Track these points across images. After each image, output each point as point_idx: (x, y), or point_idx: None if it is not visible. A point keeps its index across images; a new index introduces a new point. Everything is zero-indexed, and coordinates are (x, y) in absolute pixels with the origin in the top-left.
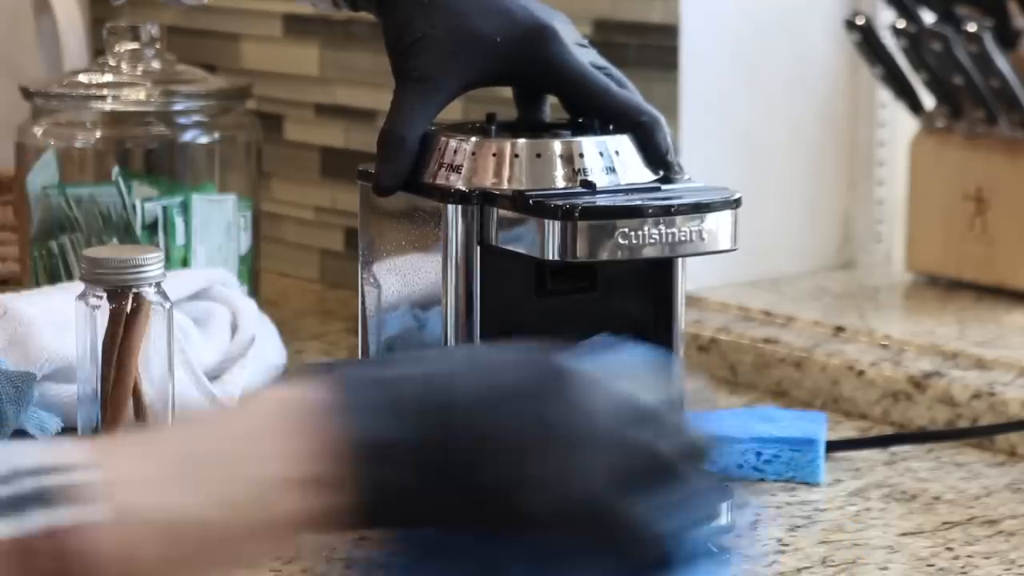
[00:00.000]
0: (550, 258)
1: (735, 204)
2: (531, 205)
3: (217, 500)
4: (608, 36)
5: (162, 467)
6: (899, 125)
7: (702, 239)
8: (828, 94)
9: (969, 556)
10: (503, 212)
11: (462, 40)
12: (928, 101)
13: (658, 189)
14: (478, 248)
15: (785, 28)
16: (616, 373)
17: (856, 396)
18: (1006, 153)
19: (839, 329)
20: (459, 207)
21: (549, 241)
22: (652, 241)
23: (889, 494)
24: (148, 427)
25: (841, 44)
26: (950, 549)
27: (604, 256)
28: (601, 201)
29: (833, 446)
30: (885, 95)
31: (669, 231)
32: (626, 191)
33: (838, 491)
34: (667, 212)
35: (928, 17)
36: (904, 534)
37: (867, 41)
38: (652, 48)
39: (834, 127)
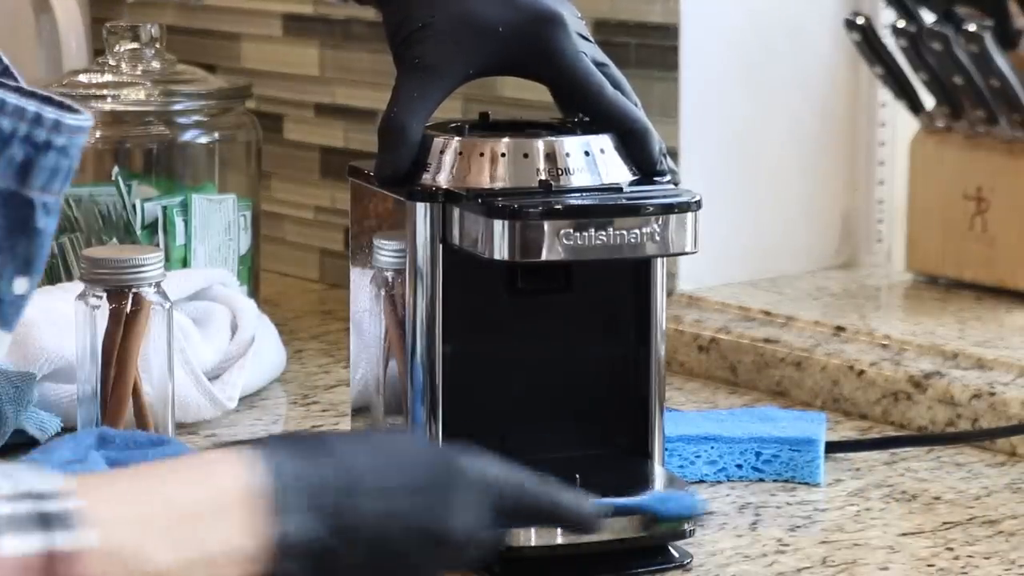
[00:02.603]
0: (496, 258)
1: (692, 207)
2: (479, 204)
3: (181, 558)
4: (608, 36)
5: (144, 513)
6: (899, 125)
7: (655, 241)
8: (828, 94)
9: (969, 556)
10: (461, 211)
11: (464, 28)
12: (928, 101)
13: (620, 190)
14: (441, 247)
15: (785, 28)
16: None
17: (856, 396)
18: (1006, 153)
19: (839, 329)
20: (427, 205)
21: (497, 241)
22: (599, 243)
23: (889, 494)
24: (129, 470)
25: (841, 44)
26: (950, 549)
27: (547, 257)
28: (555, 202)
29: (833, 447)
30: (885, 95)
31: (617, 233)
32: (583, 191)
33: (838, 491)
34: (613, 213)
35: (928, 17)
36: (904, 534)
37: (867, 41)
38: (652, 48)
39: (834, 127)
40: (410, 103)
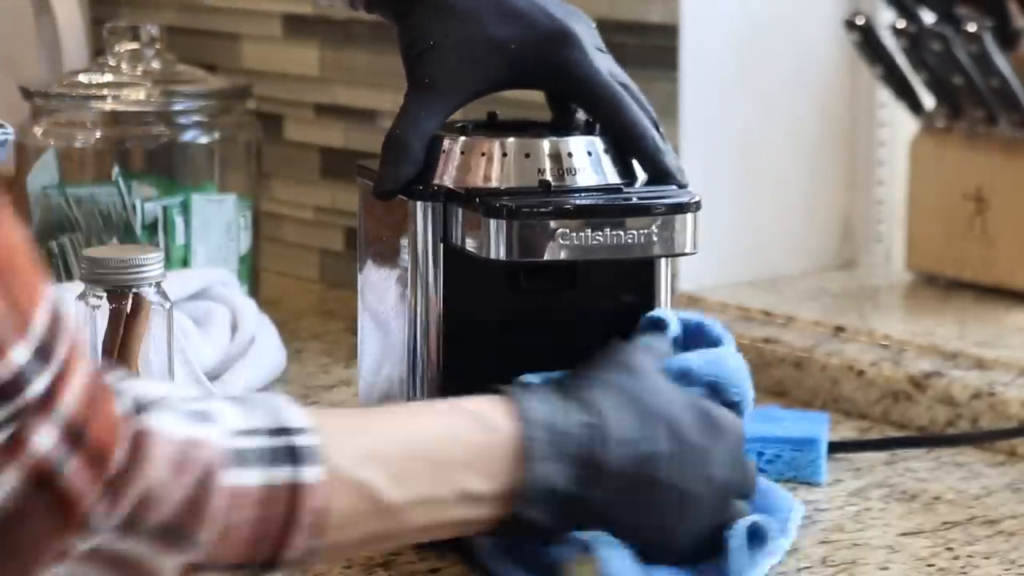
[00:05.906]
0: (494, 257)
1: (692, 207)
2: (479, 204)
3: (413, 495)
4: (608, 36)
5: (378, 451)
6: (899, 125)
7: (655, 241)
8: (828, 94)
9: (969, 556)
10: (461, 211)
11: (475, 48)
12: (928, 101)
13: (620, 190)
14: (441, 246)
15: (785, 28)
16: None
17: (856, 396)
18: (1006, 153)
19: (839, 329)
20: (427, 204)
21: (495, 241)
22: (598, 243)
23: (889, 494)
24: (369, 410)
25: (841, 44)
26: (950, 549)
27: (547, 257)
28: (554, 201)
29: (834, 447)
30: (885, 95)
31: (616, 233)
32: (583, 191)
33: (838, 491)
34: (613, 214)
35: (928, 17)
36: (904, 534)
37: (867, 41)
38: (652, 48)
39: (834, 127)
40: (414, 121)
